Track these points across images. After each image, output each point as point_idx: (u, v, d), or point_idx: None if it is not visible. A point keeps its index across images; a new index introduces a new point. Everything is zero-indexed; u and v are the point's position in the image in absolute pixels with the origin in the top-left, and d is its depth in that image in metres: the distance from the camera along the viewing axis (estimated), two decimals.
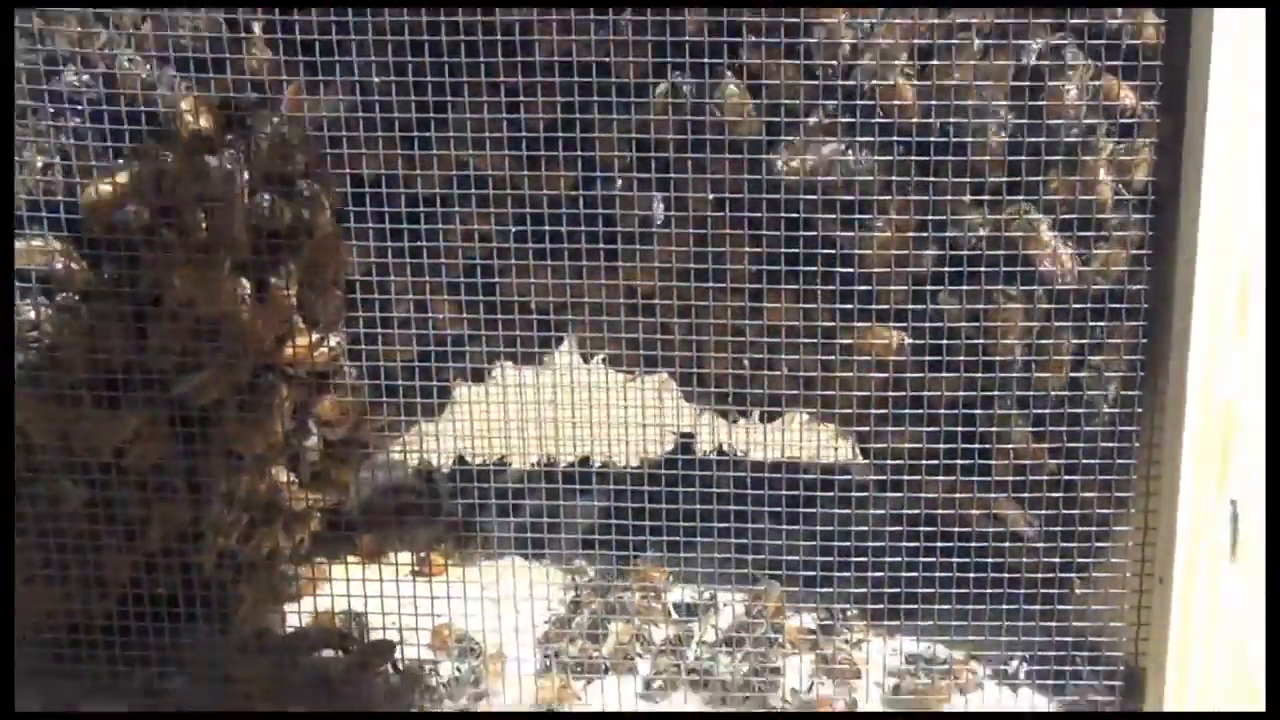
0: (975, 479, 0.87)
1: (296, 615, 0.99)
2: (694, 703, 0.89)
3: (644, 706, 0.88)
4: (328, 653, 0.96)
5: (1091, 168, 0.77)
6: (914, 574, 0.90)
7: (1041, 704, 0.88)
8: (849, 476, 0.98)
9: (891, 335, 0.86)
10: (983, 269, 0.81)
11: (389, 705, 0.88)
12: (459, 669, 0.93)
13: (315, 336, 0.94)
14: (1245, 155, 0.73)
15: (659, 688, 0.91)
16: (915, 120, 0.77)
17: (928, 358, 0.86)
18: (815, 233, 0.84)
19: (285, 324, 0.92)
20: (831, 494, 0.96)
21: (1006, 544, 0.88)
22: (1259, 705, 0.82)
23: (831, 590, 0.99)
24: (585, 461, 1.36)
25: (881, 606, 0.94)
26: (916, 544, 0.89)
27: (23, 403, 0.83)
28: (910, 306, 0.84)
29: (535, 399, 1.29)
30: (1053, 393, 0.82)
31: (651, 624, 0.99)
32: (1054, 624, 0.87)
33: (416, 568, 1.10)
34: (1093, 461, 0.82)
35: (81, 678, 0.91)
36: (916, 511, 0.88)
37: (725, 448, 1.33)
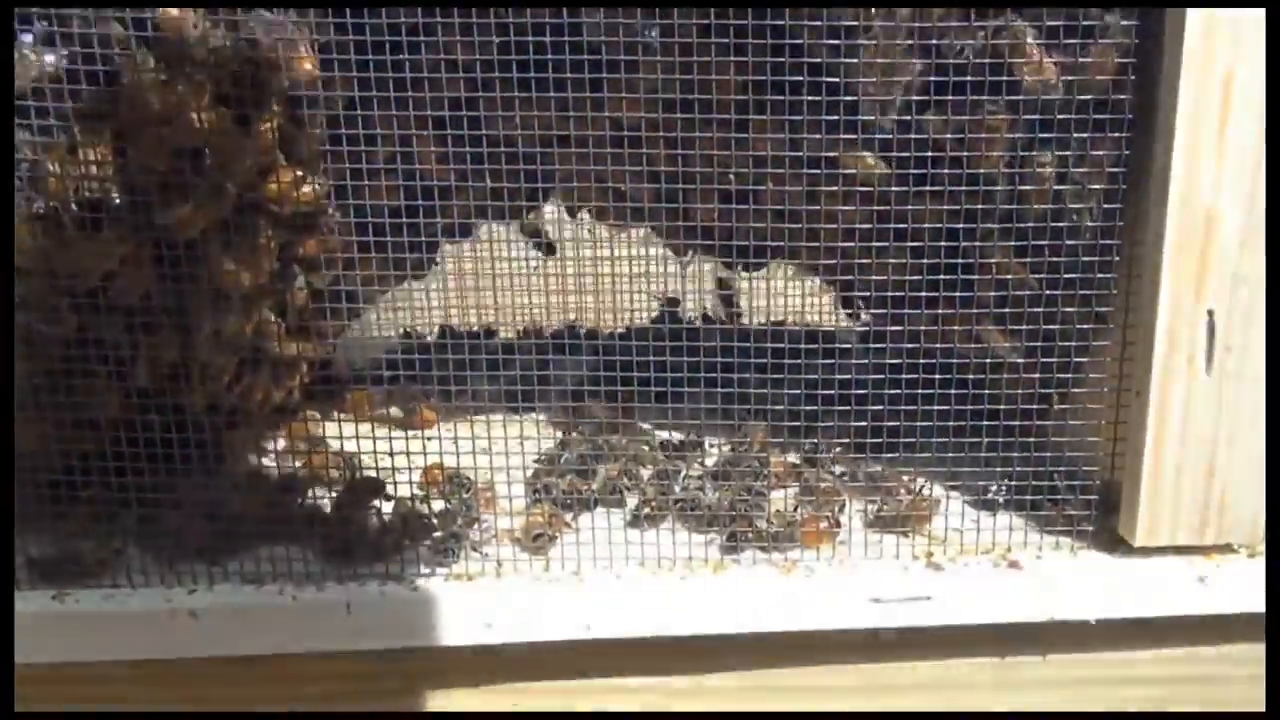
0: (958, 300, 0.88)
1: (290, 459, 1.00)
2: (681, 530, 0.91)
3: (633, 535, 0.90)
4: (320, 492, 0.97)
5: None
6: (896, 407, 0.92)
7: (1019, 524, 0.90)
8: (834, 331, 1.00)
9: (871, 160, 0.86)
10: (968, 79, 0.81)
11: (379, 538, 0.90)
12: (450, 502, 0.94)
13: (299, 173, 0.94)
14: None
15: (647, 515, 0.93)
16: None
17: (912, 187, 0.86)
18: (801, 42, 0.83)
19: (267, 157, 0.91)
20: (816, 346, 0.96)
21: (988, 367, 0.90)
22: (1226, 520, 0.85)
23: (815, 429, 1.02)
24: (571, 329, 1.38)
25: (864, 440, 0.96)
26: (900, 376, 0.90)
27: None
28: (897, 122, 0.84)
29: (520, 259, 1.31)
30: (1035, 207, 0.83)
31: (639, 463, 1.01)
32: (1033, 442, 0.89)
33: (404, 420, 1.12)
34: (1074, 276, 0.83)
35: (77, 517, 0.91)
36: (903, 347, 0.89)
37: (709, 308, 1.35)
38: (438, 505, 0.95)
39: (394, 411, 1.14)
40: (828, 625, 0.85)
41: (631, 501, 0.96)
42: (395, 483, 0.93)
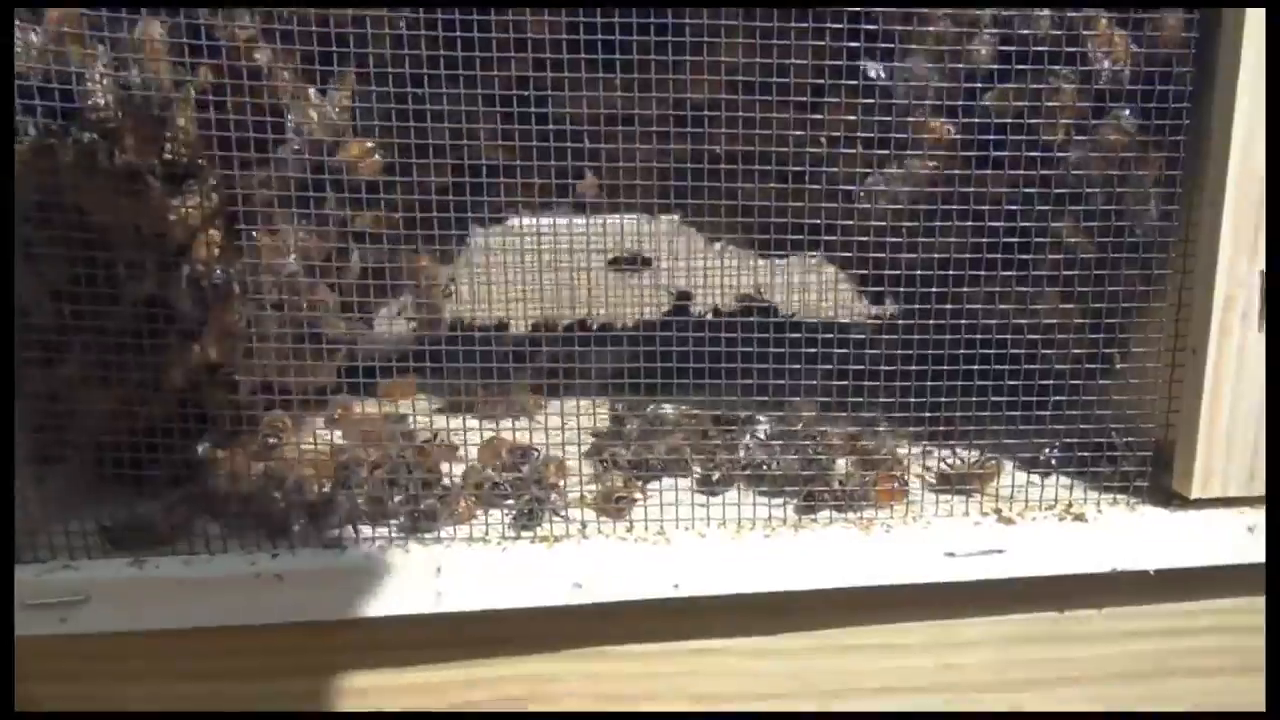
0: (1016, 266, 0.92)
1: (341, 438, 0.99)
2: (749, 494, 0.93)
3: (700, 500, 0.91)
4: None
5: None
6: (954, 383, 0.94)
7: (1078, 482, 0.94)
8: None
9: (942, 126, 0.90)
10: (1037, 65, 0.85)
11: (452, 506, 0.89)
12: (522, 469, 0.95)
13: (369, 144, 0.94)
14: None
15: (717, 481, 0.94)
16: None
17: (974, 153, 0.90)
18: (876, 26, 0.86)
19: (341, 128, 0.91)
20: (862, 335, 0.99)
21: (1044, 330, 0.94)
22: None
23: (866, 402, 1.04)
24: (582, 323, 1.39)
25: (922, 415, 0.98)
26: (956, 351, 0.93)
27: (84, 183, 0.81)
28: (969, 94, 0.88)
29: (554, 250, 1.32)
30: (1101, 173, 0.88)
31: (697, 433, 1.03)
32: (1093, 401, 0.93)
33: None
34: (1135, 240, 0.88)
35: (149, 483, 0.90)
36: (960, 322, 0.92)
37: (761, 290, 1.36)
38: (508, 475, 0.95)
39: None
40: (905, 580, 0.88)
41: (696, 470, 0.97)
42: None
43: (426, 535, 0.87)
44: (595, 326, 1.38)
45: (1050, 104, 0.85)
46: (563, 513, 0.90)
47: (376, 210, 0.99)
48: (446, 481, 0.93)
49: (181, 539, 0.86)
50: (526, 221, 1.27)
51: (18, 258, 0.82)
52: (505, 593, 0.85)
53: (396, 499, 0.89)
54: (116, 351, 0.87)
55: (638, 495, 0.92)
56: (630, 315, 1.39)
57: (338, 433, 1.03)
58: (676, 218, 1.32)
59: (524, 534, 0.88)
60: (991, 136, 0.88)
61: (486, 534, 0.87)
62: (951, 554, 0.88)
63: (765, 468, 0.95)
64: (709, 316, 1.36)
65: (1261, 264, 0.85)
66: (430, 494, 0.89)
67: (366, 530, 0.87)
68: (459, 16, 0.90)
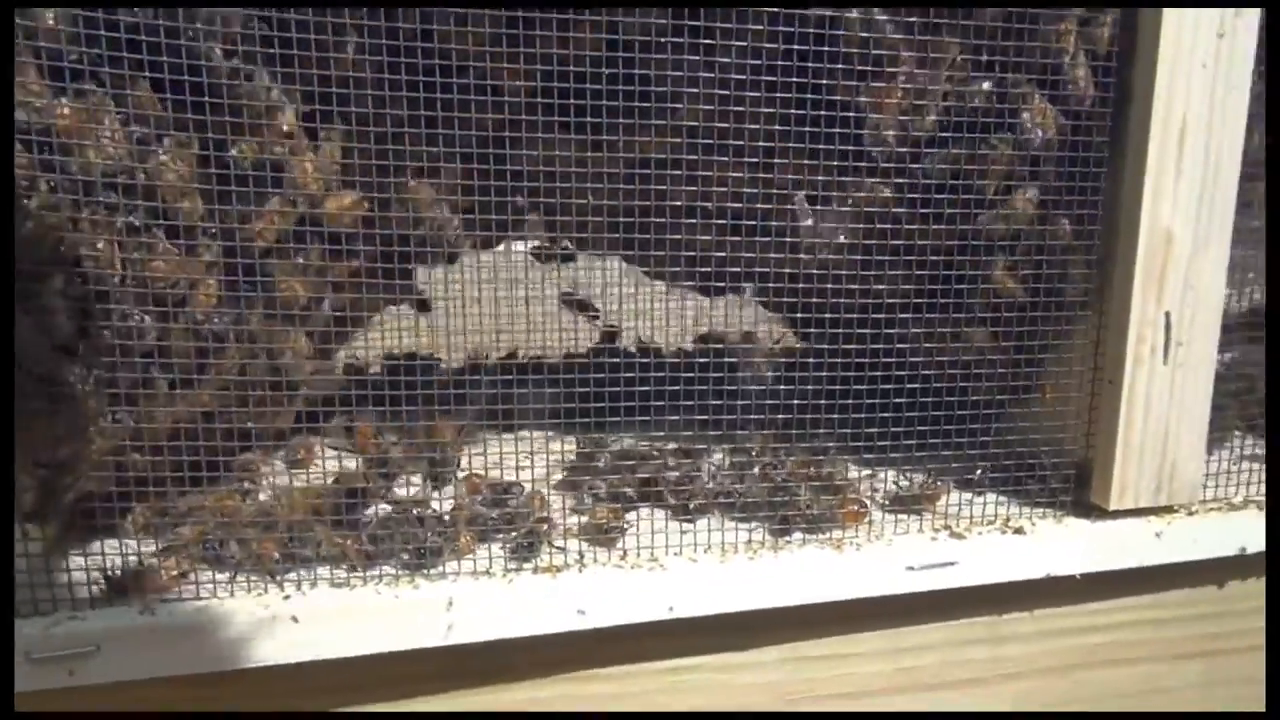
0: (951, 307, 1.03)
1: (321, 476, 1.02)
2: (728, 521, 1.00)
3: (687, 526, 0.98)
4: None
5: (1064, 36, 0.94)
6: (891, 414, 1.04)
7: (1009, 499, 1.05)
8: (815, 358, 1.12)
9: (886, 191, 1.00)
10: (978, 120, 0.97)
11: (454, 547, 0.93)
12: (511, 503, 0.99)
13: (356, 196, 0.98)
14: (1195, 26, 0.92)
15: (694, 509, 1.01)
16: None
17: (919, 210, 1.01)
18: (832, 97, 0.96)
19: (330, 177, 0.94)
20: (805, 362, 1.08)
21: (976, 371, 1.05)
22: (1174, 485, 1.03)
23: (818, 432, 1.13)
24: (537, 360, 1.43)
25: (863, 444, 1.08)
26: (890, 385, 1.03)
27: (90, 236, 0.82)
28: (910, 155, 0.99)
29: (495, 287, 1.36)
30: (1026, 228, 1.00)
31: (663, 466, 1.09)
32: (1019, 428, 1.05)
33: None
34: (1056, 286, 1.00)
35: (142, 530, 0.90)
36: (892, 361, 1.03)
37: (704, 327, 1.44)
38: (494, 511, 0.99)
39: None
40: (875, 592, 0.97)
41: (670, 499, 1.04)
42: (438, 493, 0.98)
43: (432, 571, 0.91)
44: (543, 361, 1.44)
45: (986, 167, 0.97)
46: (560, 544, 0.95)
47: (354, 259, 1.03)
48: (445, 518, 0.96)
49: (184, 584, 0.86)
50: (483, 258, 1.33)
51: (18, 310, 0.82)
52: (514, 622, 0.89)
53: (398, 537, 0.92)
54: (114, 401, 0.88)
55: (626, 525, 0.98)
56: (578, 349, 1.45)
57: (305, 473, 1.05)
58: (619, 261, 1.40)
59: (525, 566, 0.92)
60: (930, 194, 0.99)
61: (490, 567, 0.91)
62: (911, 567, 0.98)
63: (737, 495, 1.03)
64: (662, 353, 1.43)
65: (1167, 305, 0.99)
66: (434, 531, 0.92)
67: (373, 570, 0.90)
68: (435, 68, 0.95)
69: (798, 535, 0.99)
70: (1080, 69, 0.95)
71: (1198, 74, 0.94)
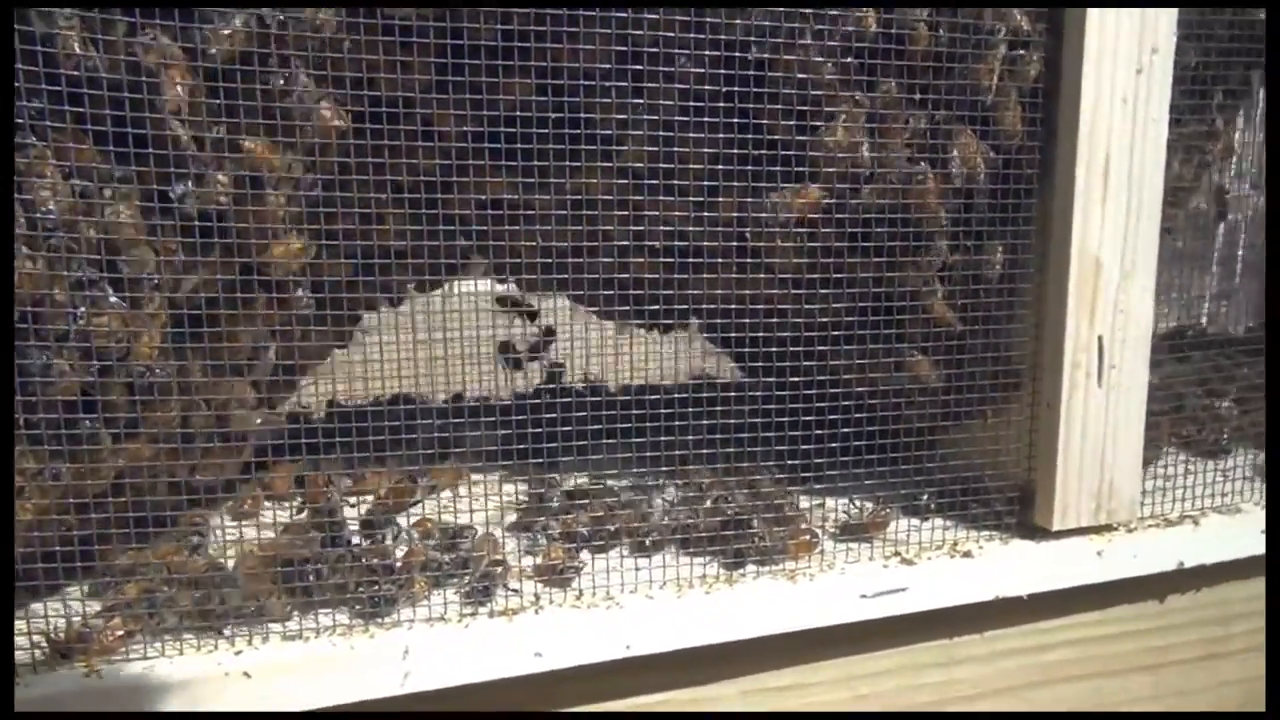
0: (893, 337, 1.05)
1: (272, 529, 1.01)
2: (682, 556, 1.01)
3: (642, 563, 0.99)
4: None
5: (988, 70, 0.98)
6: (835, 444, 1.06)
7: (956, 523, 1.08)
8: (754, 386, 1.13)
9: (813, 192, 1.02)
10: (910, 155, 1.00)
11: (408, 594, 0.92)
12: (464, 547, 0.99)
13: (302, 242, 0.97)
14: (1114, 63, 0.96)
15: (651, 545, 1.02)
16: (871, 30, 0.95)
17: (854, 244, 1.03)
18: (777, 137, 0.98)
19: (274, 225, 0.94)
20: (741, 394, 1.10)
21: (919, 399, 1.08)
22: (1113, 504, 1.06)
23: (763, 465, 1.15)
24: (467, 397, 1.44)
25: (811, 475, 1.09)
26: (838, 415, 1.04)
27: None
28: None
29: (435, 329, 1.36)
30: (958, 258, 1.03)
31: (616, 503, 1.10)
32: (962, 453, 1.07)
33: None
34: (992, 313, 1.03)
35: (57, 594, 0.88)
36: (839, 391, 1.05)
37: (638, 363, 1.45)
38: (446, 555, 0.99)
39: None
40: (829, 621, 0.98)
41: (625, 537, 1.04)
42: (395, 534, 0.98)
43: (386, 619, 0.90)
44: (492, 402, 1.43)
45: (918, 201, 0.99)
46: (515, 586, 0.95)
47: (298, 306, 1.02)
48: (397, 564, 0.95)
49: (131, 644, 0.84)
50: (420, 301, 1.33)
51: None
52: (471, 668, 0.88)
53: (350, 587, 0.91)
54: (50, 457, 0.86)
55: (580, 564, 0.98)
56: (527, 389, 1.45)
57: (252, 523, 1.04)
58: (566, 299, 1.41)
59: (480, 610, 0.92)
60: (869, 227, 1.01)
61: (445, 613, 0.91)
62: (864, 595, 0.99)
63: (691, 530, 1.03)
64: (610, 391, 1.44)
65: (1099, 329, 1.02)
66: (387, 579, 0.92)
67: (326, 620, 0.89)
68: (379, 116, 0.96)
69: (751, 568, 1.00)
70: (1009, 106, 0.99)
71: (1119, 108, 0.98)
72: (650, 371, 1.42)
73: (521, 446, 1.00)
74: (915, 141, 1.00)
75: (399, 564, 0.95)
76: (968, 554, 1.03)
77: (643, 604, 0.94)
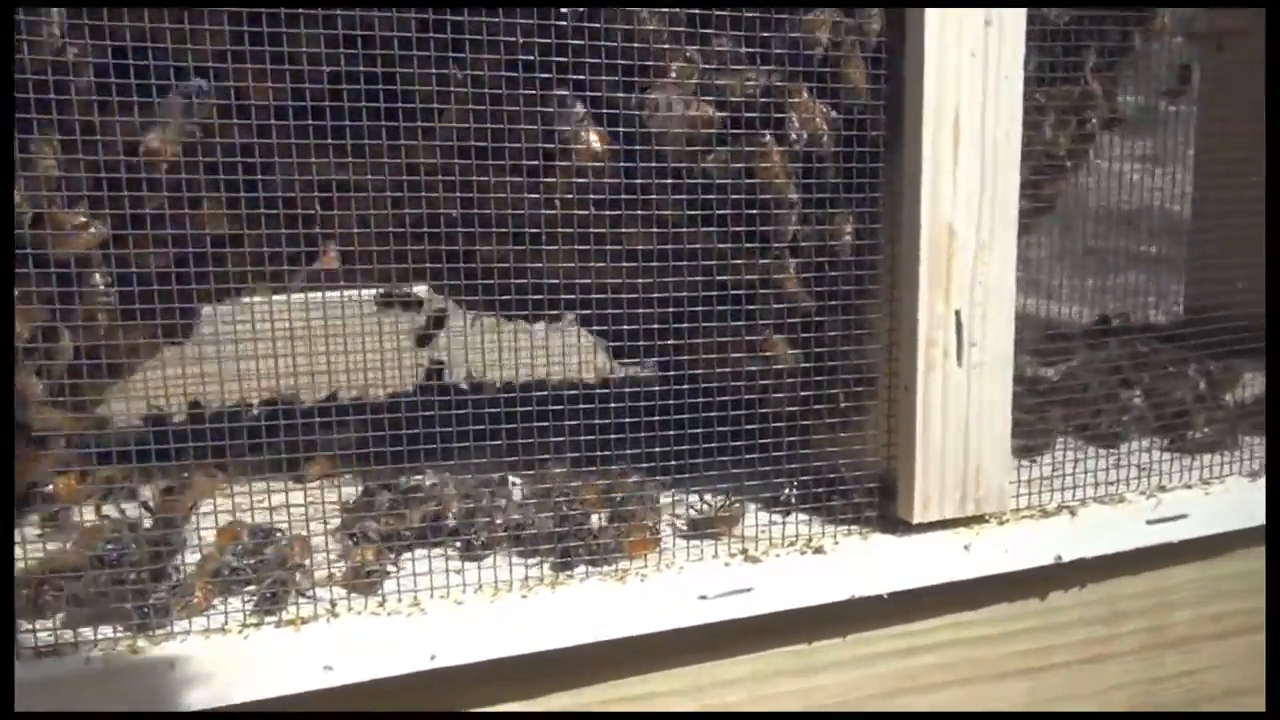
0: (744, 315, 0.98)
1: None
2: (512, 556, 0.92)
3: (469, 567, 0.90)
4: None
5: (819, 27, 0.90)
6: (693, 430, 0.98)
7: (815, 517, 1.00)
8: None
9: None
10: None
11: (186, 598, 0.84)
12: (265, 551, 0.90)
13: (83, 218, 0.89)
14: (960, 15, 0.89)
15: (479, 546, 0.93)
16: None
17: (700, 212, 0.95)
18: (600, 94, 0.90)
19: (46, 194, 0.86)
20: (606, 391, 1.02)
21: (772, 376, 1.00)
22: (980, 493, 0.99)
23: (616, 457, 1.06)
24: (334, 396, 1.35)
25: (671, 467, 1.01)
26: (695, 400, 0.97)
27: None
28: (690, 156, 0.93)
29: (290, 324, 1.27)
30: (801, 228, 0.95)
31: (452, 500, 1.01)
32: (821, 439, 0.99)
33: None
34: (845, 288, 0.95)
35: None
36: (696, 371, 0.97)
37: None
38: (249, 560, 0.90)
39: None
40: (662, 626, 0.89)
41: (454, 536, 0.96)
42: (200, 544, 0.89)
43: (158, 631, 0.81)
44: (345, 399, 1.35)
45: (761, 165, 0.92)
46: (309, 592, 0.86)
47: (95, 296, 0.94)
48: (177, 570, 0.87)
49: None
50: (264, 297, 1.24)
51: None
52: (248, 683, 0.80)
53: (125, 596, 0.82)
54: None
55: (391, 567, 0.89)
56: (384, 386, 1.36)
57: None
58: (426, 288, 1.33)
59: (268, 619, 0.83)
60: (712, 194, 0.94)
61: (226, 623, 0.82)
62: (704, 596, 0.91)
63: (523, 529, 0.95)
64: (462, 384, 1.36)
65: (956, 304, 0.94)
66: (158, 587, 0.83)
67: (88, 633, 0.80)
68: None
69: (582, 569, 0.92)
70: (852, 63, 0.91)
71: (967, 64, 0.91)
72: (534, 366, 1.34)
73: (380, 449, 0.93)
74: (751, 102, 0.92)
75: (184, 570, 0.87)
76: (819, 550, 0.95)
77: (450, 610, 0.85)
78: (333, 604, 0.85)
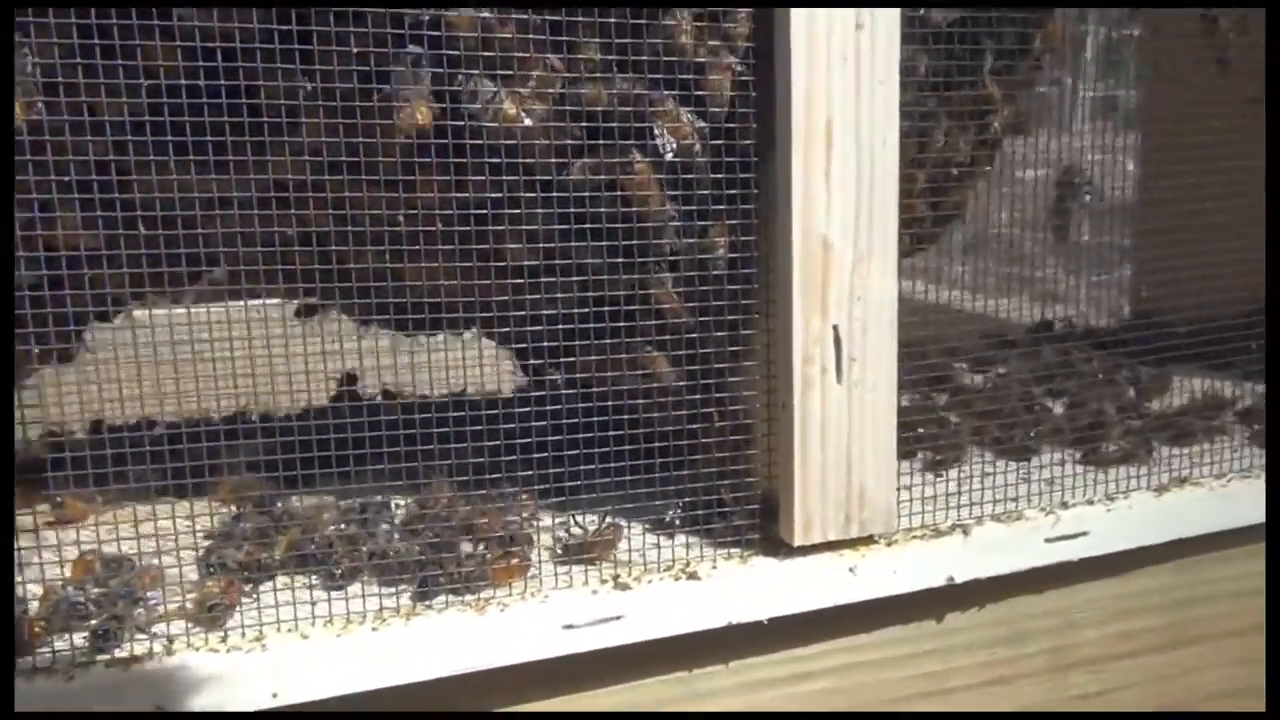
0: (623, 331, 0.94)
1: None
2: (380, 586, 0.89)
3: (322, 595, 0.87)
4: None
5: (679, 28, 0.87)
6: (575, 451, 0.94)
7: (696, 540, 0.96)
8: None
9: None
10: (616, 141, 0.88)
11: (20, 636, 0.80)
12: (109, 583, 0.86)
13: None
14: (830, 19, 0.85)
15: (341, 574, 0.90)
16: None
17: (573, 226, 0.92)
18: (476, 105, 0.87)
19: None
20: (495, 411, 0.98)
21: (654, 393, 0.96)
22: (865, 514, 0.95)
23: (498, 479, 1.03)
24: (242, 413, 1.31)
25: (548, 486, 0.98)
26: (575, 420, 0.93)
27: None
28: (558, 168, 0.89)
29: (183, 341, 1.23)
30: (678, 240, 0.91)
31: (323, 527, 0.97)
32: (699, 460, 0.96)
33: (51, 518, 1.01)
34: (721, 304, 0.92)
35: None
36: (574, 389, 0.94)
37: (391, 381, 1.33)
38: (94, 591, 0.86)
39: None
40: (525, 658, 0.86)
41: (321, 564, 0.92)
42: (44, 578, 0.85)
43: None
44: (239, 418, 1.31)
45: (626, 177, 0.88)
46: (149, 630, 0.82)
47: None
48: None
49: None
50: (155, 312, 1.20)
51: None
52: None
53: None
54: None
55: (241, 600, 0.86)
56: (281, 404, 1.33)
57: None
58: (315, 300, 1.28)
59: (100, 657, 0.79)
60: (585, 207, 0.90)
61: (54, 663, 0.78)
62: (570, 625, 0.87)
63: (390, 555, 0.91)
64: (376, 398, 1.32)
65: (834, 319, 0.91)
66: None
67: None
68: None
69: (443, 598, 0.88)
70: (717, 70, 0.87)
71: (838, 68, 0.87)
72: (434, 381, 1.30)
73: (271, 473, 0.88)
74: (614, 110, 0.88)
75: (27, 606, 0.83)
76: (694, 575, 0.91)
77: (295, 645, 0.82)
78: (170, 640, 0.81)
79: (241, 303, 1.22)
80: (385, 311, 1.08)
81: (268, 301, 1.26)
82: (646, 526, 0.98)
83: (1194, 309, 1.30)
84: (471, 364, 1.27)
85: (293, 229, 0.99)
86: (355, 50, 0.84)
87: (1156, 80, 1.58)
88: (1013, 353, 1.58)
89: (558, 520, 0.98)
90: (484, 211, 0.92)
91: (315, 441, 0.90)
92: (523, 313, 0.96)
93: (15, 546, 0.82)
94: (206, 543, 0.95)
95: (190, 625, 0.83)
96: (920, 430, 1.15)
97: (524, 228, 0.93)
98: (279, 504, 1.02)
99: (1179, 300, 1.33)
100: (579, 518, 0.96)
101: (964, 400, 1.30)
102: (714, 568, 0.93)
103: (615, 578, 0.91)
